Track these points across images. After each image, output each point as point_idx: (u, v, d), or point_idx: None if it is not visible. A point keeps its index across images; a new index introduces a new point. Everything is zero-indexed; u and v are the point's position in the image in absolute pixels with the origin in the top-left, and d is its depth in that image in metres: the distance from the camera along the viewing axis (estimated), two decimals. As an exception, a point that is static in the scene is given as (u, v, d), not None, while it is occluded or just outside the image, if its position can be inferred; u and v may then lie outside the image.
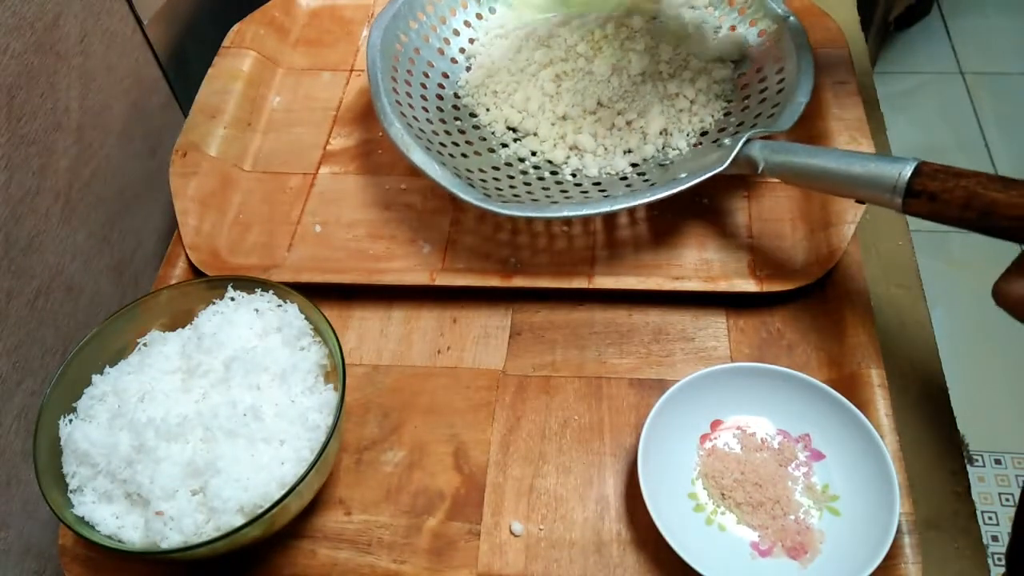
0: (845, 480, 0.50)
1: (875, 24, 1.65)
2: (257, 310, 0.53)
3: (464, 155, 0.64)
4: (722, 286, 0.58)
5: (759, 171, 0.56)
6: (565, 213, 0.57)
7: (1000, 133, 1.76)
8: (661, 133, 0.64)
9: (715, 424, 0.54)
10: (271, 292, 0.54)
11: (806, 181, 0.54)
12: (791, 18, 0.65)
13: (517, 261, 0.61)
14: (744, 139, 0.56)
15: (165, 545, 0.45)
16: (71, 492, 0.47)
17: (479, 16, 0.73)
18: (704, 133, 0.64)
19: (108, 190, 0.67)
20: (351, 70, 0.77)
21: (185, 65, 0.77)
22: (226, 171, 0.69)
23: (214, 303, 0.54)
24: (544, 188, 0.62)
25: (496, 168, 0.63)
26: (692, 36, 0.68)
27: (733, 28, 0.69)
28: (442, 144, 0.63)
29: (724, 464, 0.51)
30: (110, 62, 0.67)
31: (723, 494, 0.51)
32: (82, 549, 0.51)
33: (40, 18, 0.58)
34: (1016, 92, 1.84)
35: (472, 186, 0.58)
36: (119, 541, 0.46)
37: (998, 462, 1.33)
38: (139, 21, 0.70)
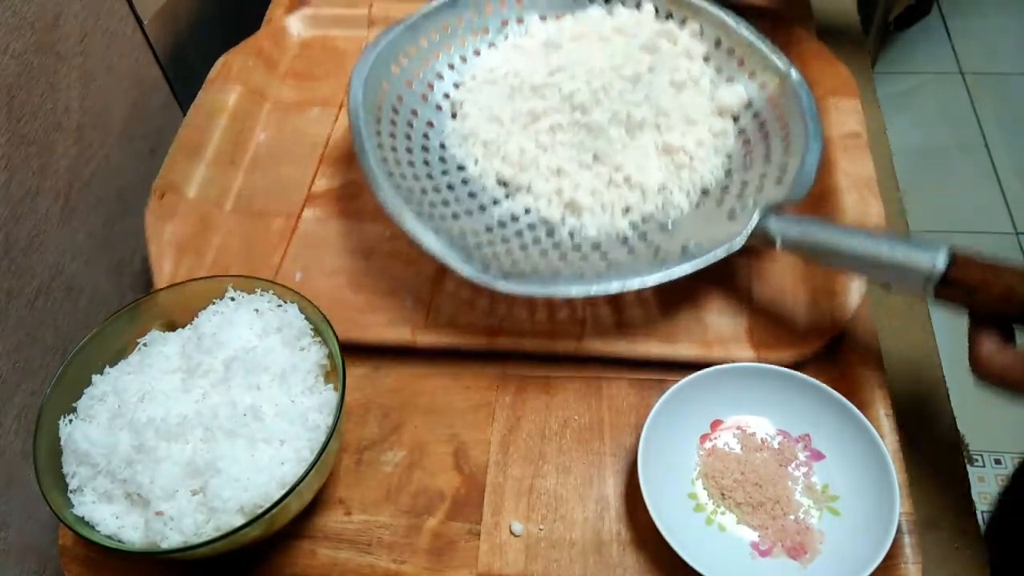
0: (845, 480, 0.50)
1: (875, 24, 1.65)
2: (257, 310, 0.53)
3: (455, 215, 0.59)
4: (716, 352, 0.56)
5: (776, 247, 0.52)
6: (573, 293, 0.52)
7: (1000, 133, 1.76)
8: (660, 190, 0.60)
9: (715, 424, 0.54)
10: (271, 292, 0.54)
11: (828, 261, 0.51)
12: (792, 71, 0.61)
13: (503, 319, 0.58)
14: (760, 213, 0.53)
15: (165, 545, 0.45)
16: (71, 492, 0.47)
17: (463, 59, 0.68)
18: (705, 192, 0.60)
19: (108, 190, 0.67)
20: (341, 105, 0.73)
21: (185, 65, 0.77)
22: (205, 212, 0.65)
23: (214, 303, 0.54)
24: (541, 252, 0.58)
25: (489, 229, 0.59)
26: (690, 88, 0.64)
27: (731, 79, 0.64)
28: (432, 204, 0.59)
29: (724, 464, 0.51)
30: (110, 62, 0.67)
31: (723, 494, 0.51)
32: (82, 549, 0.51)
33: (40, 18, 0.58)
34: (1016, 92, 1.85)
35: (469, 255, 0.54)
36: (119, 541, 0.46)
37: (998, 462, 1.32)
38: (139, 21, 0.70)
